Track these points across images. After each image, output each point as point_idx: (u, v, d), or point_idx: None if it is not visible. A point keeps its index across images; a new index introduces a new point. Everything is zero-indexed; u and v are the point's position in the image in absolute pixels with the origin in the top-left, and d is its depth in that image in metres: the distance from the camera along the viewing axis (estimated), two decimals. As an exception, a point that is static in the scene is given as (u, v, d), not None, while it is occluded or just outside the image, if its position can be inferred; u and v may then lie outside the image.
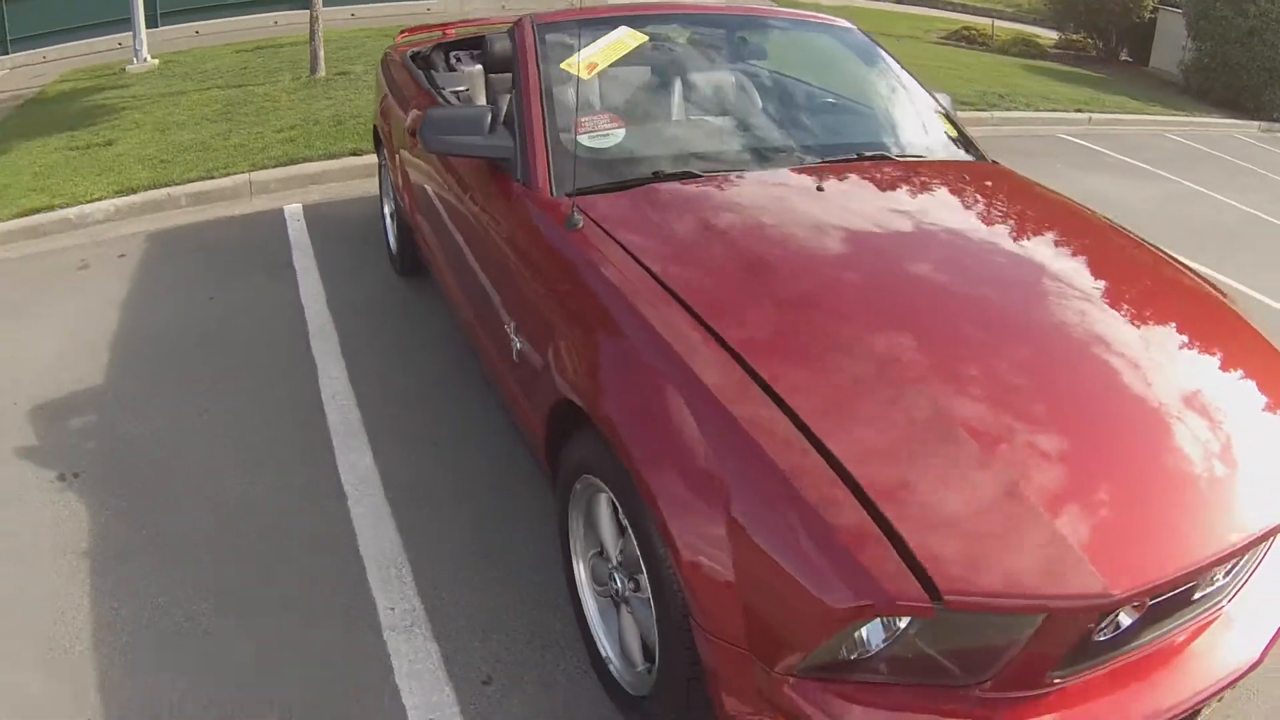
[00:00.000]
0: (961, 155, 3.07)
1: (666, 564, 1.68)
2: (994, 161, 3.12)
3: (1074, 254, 2.45)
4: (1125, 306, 2.18)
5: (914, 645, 1.47)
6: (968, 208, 2.63)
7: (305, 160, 6.49)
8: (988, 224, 2.55)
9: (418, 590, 2.55)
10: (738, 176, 2.56)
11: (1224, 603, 1.81)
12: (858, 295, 2.06)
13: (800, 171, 2.64)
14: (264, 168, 6.33)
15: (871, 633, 1.48)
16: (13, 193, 5.76)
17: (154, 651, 2.34)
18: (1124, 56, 17.55)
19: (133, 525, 2.84)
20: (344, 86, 8.51)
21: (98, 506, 2.93)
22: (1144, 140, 10.30)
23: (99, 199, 5.64)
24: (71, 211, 5.47)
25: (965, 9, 21.94)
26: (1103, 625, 1.54)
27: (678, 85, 3.07)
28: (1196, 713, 1.69)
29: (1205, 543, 1.58)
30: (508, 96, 2.95)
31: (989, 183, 2.87)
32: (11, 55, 12.49)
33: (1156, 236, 2.91)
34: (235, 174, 6.22)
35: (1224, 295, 2.45)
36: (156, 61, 10.32)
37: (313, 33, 8.81)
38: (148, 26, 10.63)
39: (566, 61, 2.76)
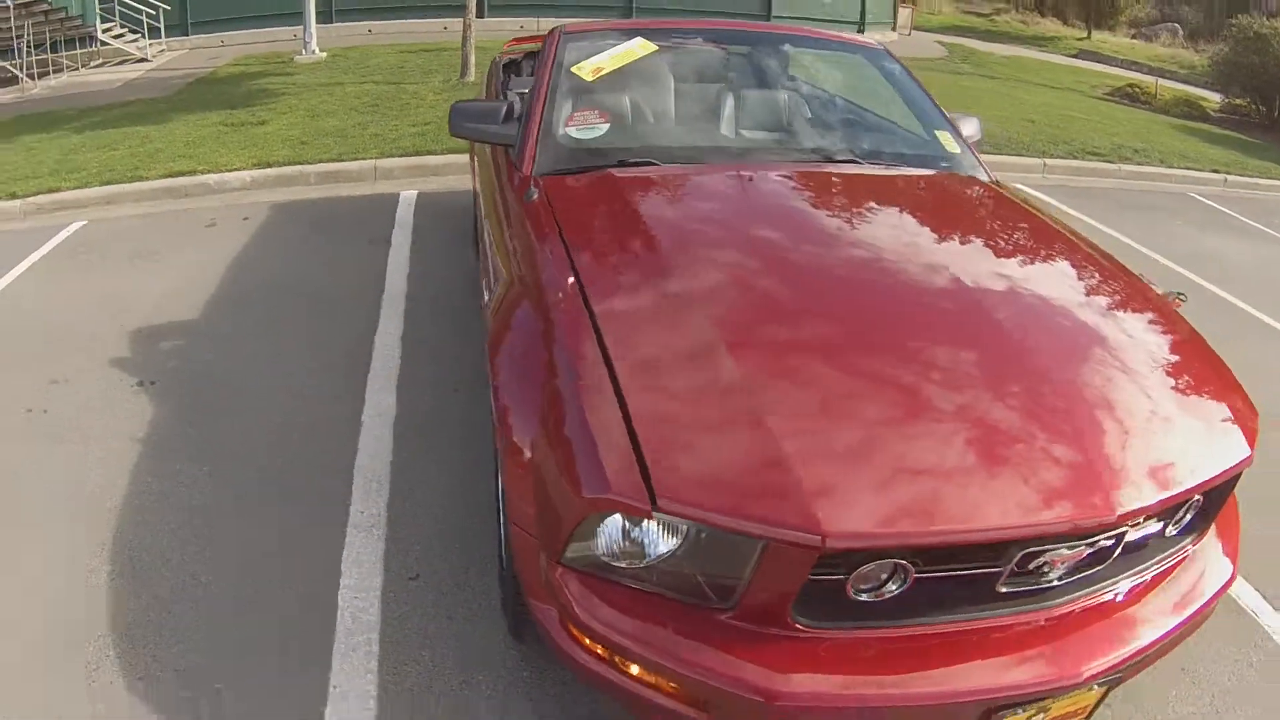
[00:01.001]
0: (949, 170, 3.21)
1: (498, 465, 2.01)
2: (994, 181, 3.22)
3: (1003, 256, 2.56)
4: (1027, 295, 2.26)
5: (665, 559, 1.64)
6: (906, 211, 2.77)
7: (429, 153, 7.16)
8: (921, 226, 2.67)
9: (388, 503, 2.97)
10: (694, 168, 2.89)
11: (1062, 608, 1.75)
12: (722, 272, 2.23)
13: (759, 168, 2.92)
14: (391, 156, 7.04)
15: (613, 533, 1.67)
16: (164, 156, 6.69)
17: (163, 514, 2.87)
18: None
19: (183, 425, 3.41)
20: (485, 90, 9.22)
21: (160, 408, 3.52)
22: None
23: (238, 169, 6.47)
24: (212, 177, 6.32)
25: (1135, 66, 21.07)
26: (859, 582, 1.61)
27: (677, 90, 3.39)
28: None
29: (978, 517, 1.58)
30: None
31: (956, 193, 3.03)
32: (191, 37, 14.04)
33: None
34: (364, 159, 6.95)
35: (1177, 305, 2.55)
36: (324, 55, 11.45)
37: (465, 39, 9.63)
38: (324, 22, 11.85)
39: (576, 65, 3.16)
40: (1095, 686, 1.72)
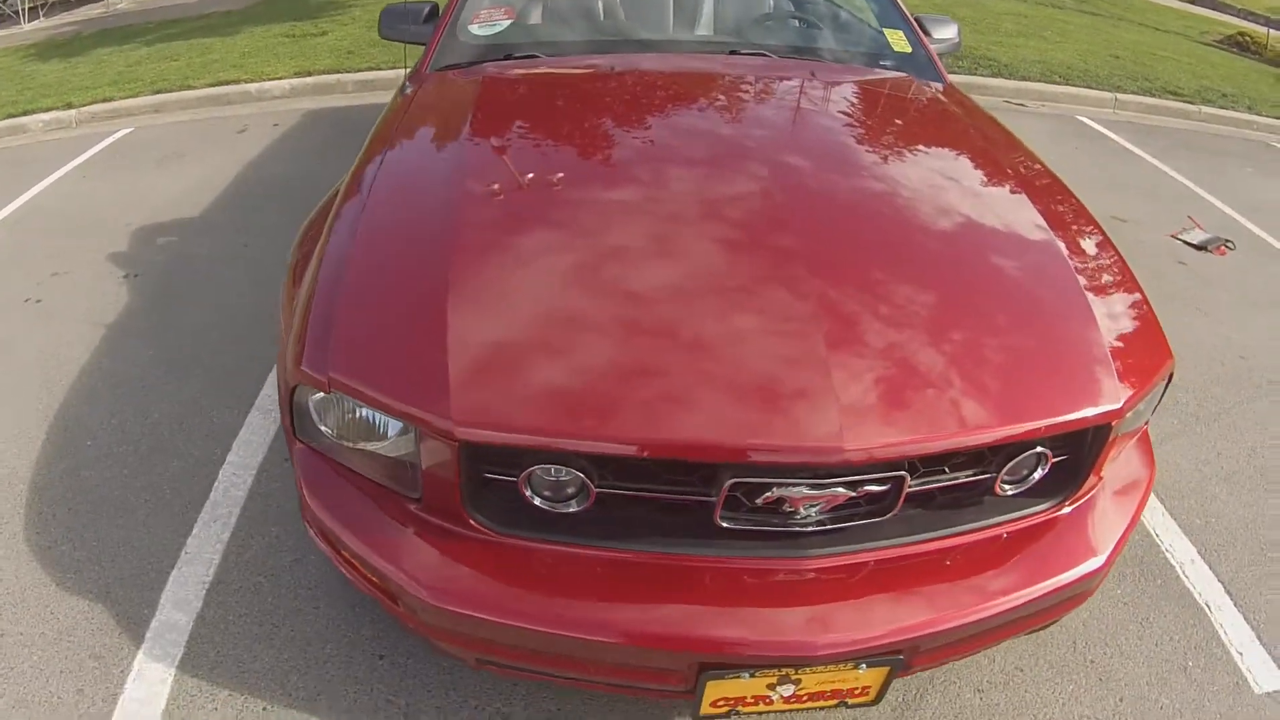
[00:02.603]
0: (893, 69, 3.00)
1: None
2: (947, 87, 2.95)
3: (888, 159, 2.36)
4: (891, 202, 2.07)
5: (357, 438, 1.63)
6: (794, 107, 2.62)
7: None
8: (805, 121, 2.53)
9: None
10: (574, 59, 2.82)
11: (820, 562, 1.55)
12: (517, 164, 2.11)
13: (646, 60, 2.81)
14: (429, 66, 7.09)
15: (320, 410, 1.66)
16: (217, 67, 6.98)
17: (105, 389, 3.13)
18: None
19: (151, 312, 3.67)
20: None
21: (135, 297, 3.79)
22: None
23: (280, 78, 6.69)
24: (253, 86, 6.57)
25: (1252, 16, 18.75)
26: (540, 489, 1.54)
27: None
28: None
29: (644, 427, 1.44)
30: None
31: (872, 92, 2.83)
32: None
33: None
34: (401, 67, 7.04)
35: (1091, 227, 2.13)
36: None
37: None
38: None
39: None
40: (861, 666, 1.52)
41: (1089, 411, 1.58)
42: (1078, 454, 1.68)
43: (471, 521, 1.58)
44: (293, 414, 1.72)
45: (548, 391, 1.49)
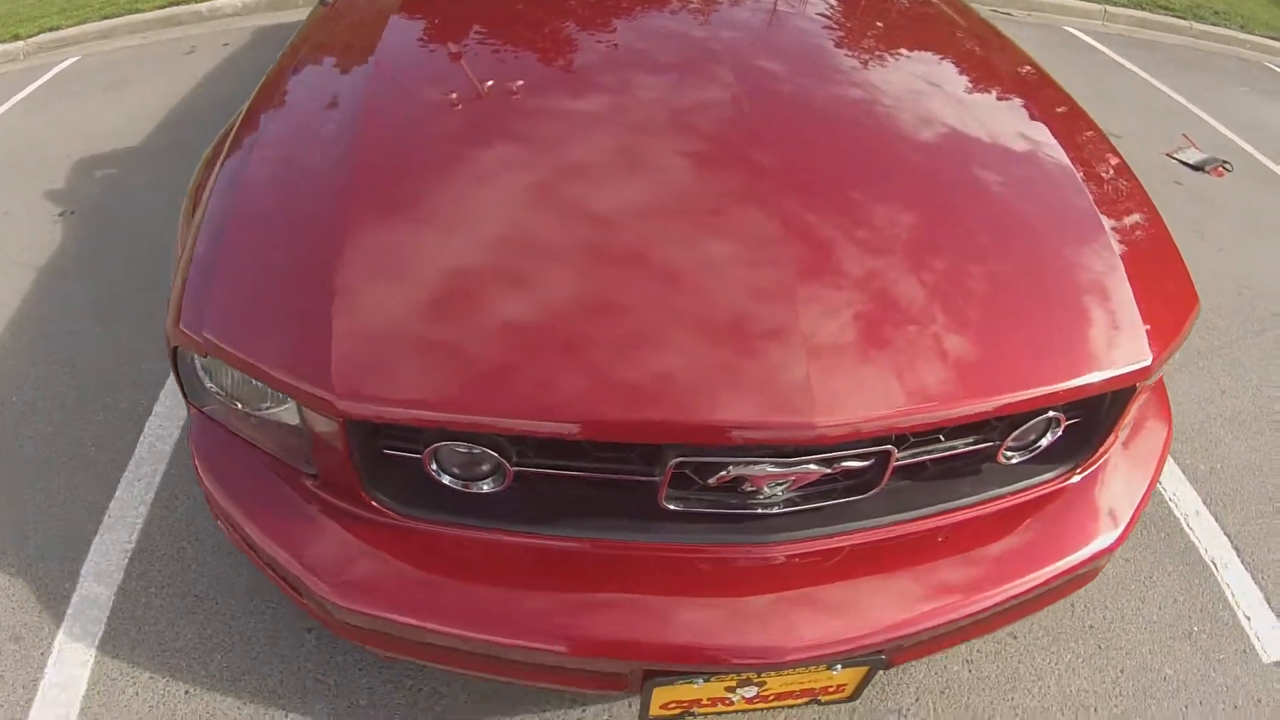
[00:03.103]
0: None
1: None
2: None
3: (889, 57, 2.07)
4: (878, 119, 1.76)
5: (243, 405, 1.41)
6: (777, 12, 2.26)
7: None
8: (792, 22, 2.19)
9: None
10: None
11: (787, 548, 1.33)
12: (490, 69, 1.85)
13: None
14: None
15: (208, 374, 1.44)
16: (167, -13, 6.53)
17: (34, 338, 2.89)
18: None
19: (83, 251, 3.40)
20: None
21: (69, 236, 3.51)
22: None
23: (233, -4, 6.27)
24: (204, 5, 6.15)
25: None
26: (450, 467, 1.33)
27: None
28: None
29: (551, 403, 1.18)
30: None
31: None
32: None
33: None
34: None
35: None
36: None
37: None
38: None
39: None
40: (836, 667, 1.31)
41: (1114, 371, 1.32)
42: (1093, 415, 1.44)
43: (373, 503, 1.35)
44: (179, 375, 1.47)
45: (449, 357, 1.23)
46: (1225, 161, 4.55)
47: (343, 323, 1.26)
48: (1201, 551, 2.27)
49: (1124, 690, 1.91)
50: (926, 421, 1.23)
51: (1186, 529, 2.33)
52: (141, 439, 2.46)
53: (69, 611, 2.05)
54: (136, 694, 1.88)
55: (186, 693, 1.88)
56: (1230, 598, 2.14)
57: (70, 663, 1.95)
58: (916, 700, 1.87)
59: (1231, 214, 4.03)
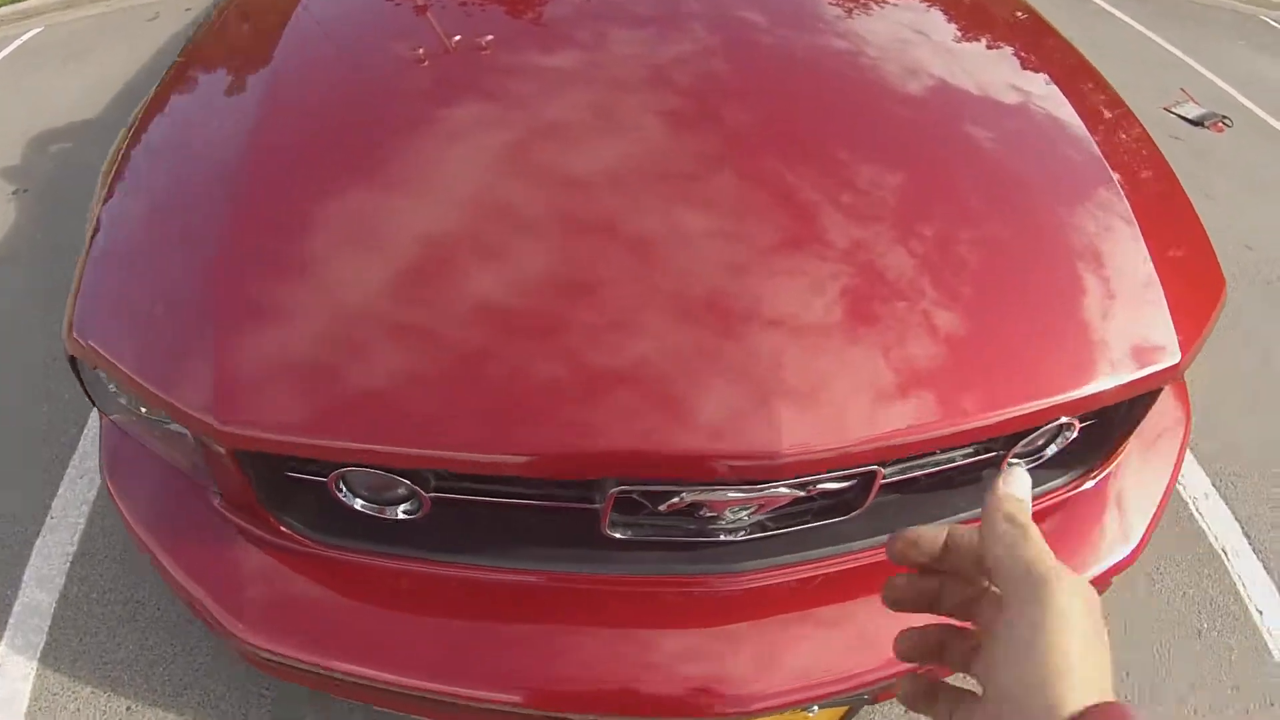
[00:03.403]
0: None
1: None
2: None
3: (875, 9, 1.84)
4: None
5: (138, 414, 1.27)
6: None
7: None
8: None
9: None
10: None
11: (755, 579, 1.16)
12: (417, 36, 1.63)
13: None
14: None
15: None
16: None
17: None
18: None
19: (34, 232, 3.24)
20: None
21: (20, 216, 3.35)
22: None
23: (200, -40, 6.02)
24: (170, -29, 5.90)
25: None
26: (362, 491, 1.17)
27: None
28: None
29: (457, 433, 1.01)
30: None
31: None
32: None
33: None
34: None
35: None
36: None
37: None
38: None
39: None
40: (812, 709, 1.14)
41: (1138, 373, 1.13)
42: (1109, 418, 1.27)
43: (282, 528, 1.20)
44: (81, 380, 1.31)
45: (351, 377, 1.05)
46: (1225, 116, 4.38)
47: (231, 333, 1.10)
48: (1211, 539, 2.14)
49: (1128, 692, 1.79)
50: (920, 441, 1.04)
51: (1195, 514, 2.20)
52: (86, 431, 2.32)
53: (10, 621, 1.93)
54: (78, 710, 1.77)
55: (128, 709, 1.76)
56: (1242, 590, 2.02)
57: (12, 676, 1.83)
58: (907, 714, 1.75)
59: (1232, 171, 3.87)
